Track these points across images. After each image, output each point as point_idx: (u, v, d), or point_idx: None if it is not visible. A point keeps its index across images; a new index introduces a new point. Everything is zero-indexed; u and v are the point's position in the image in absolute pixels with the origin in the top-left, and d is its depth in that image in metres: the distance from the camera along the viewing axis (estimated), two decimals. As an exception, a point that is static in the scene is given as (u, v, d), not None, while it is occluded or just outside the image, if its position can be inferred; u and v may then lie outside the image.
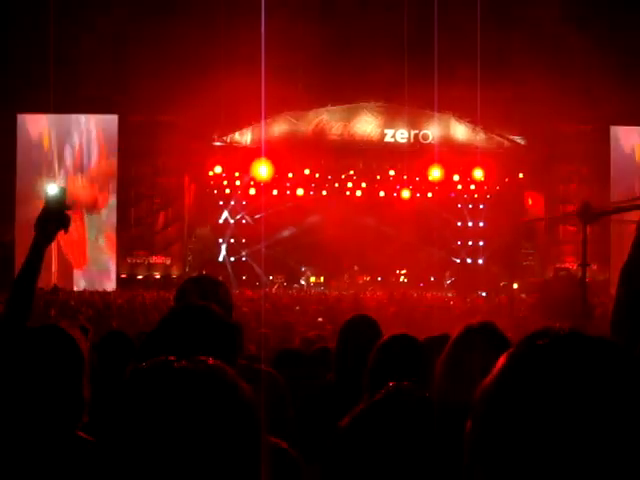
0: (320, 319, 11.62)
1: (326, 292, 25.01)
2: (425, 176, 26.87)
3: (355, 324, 3.20)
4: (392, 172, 27.16)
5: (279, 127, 26.46)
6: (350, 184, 28.19)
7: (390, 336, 2.70)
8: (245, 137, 26.60)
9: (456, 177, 26.85)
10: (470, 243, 28.69)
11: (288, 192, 28.14)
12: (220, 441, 0.96)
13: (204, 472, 0.95)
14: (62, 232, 2.68)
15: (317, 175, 27.58)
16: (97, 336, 4.04)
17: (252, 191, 28.03)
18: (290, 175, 27.42)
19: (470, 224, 28.51)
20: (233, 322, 2.16)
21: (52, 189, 2.64)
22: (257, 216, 28.49)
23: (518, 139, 26.23)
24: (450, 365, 2.06)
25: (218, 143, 26.52)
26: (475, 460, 0.90)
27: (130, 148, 25.67)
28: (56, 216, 2.62)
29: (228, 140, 26.55)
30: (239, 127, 26.45)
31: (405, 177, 27.26)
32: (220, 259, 28.15)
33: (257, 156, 25.68)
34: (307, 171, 27.28)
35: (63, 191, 2.69)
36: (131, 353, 3.38)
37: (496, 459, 0.87)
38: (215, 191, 27.75)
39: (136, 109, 25.72)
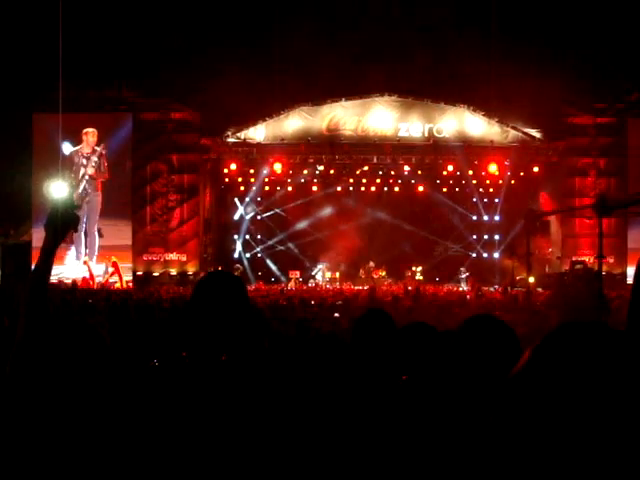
0: (337, 314, 11.61)
1: (342, 287, 25.17)
2: (440, 170, 26.93)
3: (369, 318, 3.22)
4: (407, 167, 27.00)
5: (293, 123, 26.33)
6: (365, 180, 28.15)
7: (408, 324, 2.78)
8: (259, 133, 26.51)
9: (471, 171, 26.99)
10: (486, 237, 28.70)
11: (303, 188, 28.27)
12: None
13: None
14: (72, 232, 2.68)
15: (332, 171, 27.65)
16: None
17: (267, 188, 28.33)
18: (305, 172, 27.61)
19: (486, 218, 28.44)
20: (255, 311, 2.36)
21: (59, 190, 2.61)
22: (272, 212, 28.96)
23: (534, 132, 25.88)
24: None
25: (232, 139, 26.46)
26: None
27: (145, 146, 25.86)
28: (65, 217, 2.62)
29: (242, 137, 26.47)
30: (253, 123, 26.39)
31: (420, 172, 27.28)
32: (236, 255, 28.39)
33: (271, 152, 26.10)
34: (321, 167, 27.34)
35: (70, 192, 2.62)
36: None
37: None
38: (230, 187, 28.16)
39: (150, 107, 25.80)
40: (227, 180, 27.65)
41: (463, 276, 27.38)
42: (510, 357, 2.00)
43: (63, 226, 2.60)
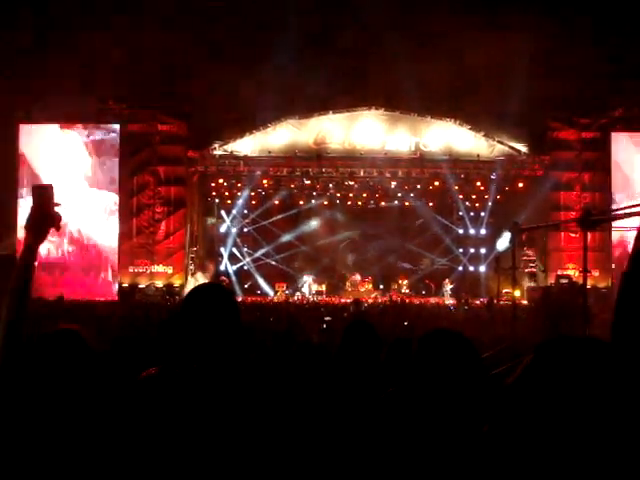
0: (324, 326, 11.65)
1: (329, 299, 25.09)
2: (426, 184, 26.85)
3: (354, 329, 3.31)
4: (394, 183, 26.90)
5: (280, 136, 26.10)
6: (351, 193, 28.12)
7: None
8: (246, 146, 26.25)
9: (456, 186, 26.92)
10: (472, 251, 28.72)
11: (289, 201, 28.18)
12: None
13: None
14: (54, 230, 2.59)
15: (318, 185, 27.52)
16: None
17: (253, 201, 28.33)
18: (292, 185, 27.45)
19: (472, 232, 28.43)
20: (245, 326, 2.39)
21: (39, 188, 2.56)
22: (258, 225, 28.76)
23: (519, 146, 26.04)
24: None
25: (219, 152, 26.29)
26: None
27: (131, 157, 25.59)
28: (46, 215, 2.56)
29: (229, 149, 26.23)
30: (240, 136, 26.17)
31: (406, 187, 27.24)
32: (222, 268, 28.19)
33: (258, 165, 25.74)
34: (308, 181, 27.08)
35: (50, 189, 2.58)
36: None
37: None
38: (217, 200, 28.03)
39: (137, 119, 25.66)
40: (214, 193, 27.51)
41: (448, 289, 27.36)
42: (468, 368, 2.14)
43: (44, 224, 2.54)
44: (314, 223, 28.61)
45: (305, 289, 27.86)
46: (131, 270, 25.62)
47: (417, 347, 2.18)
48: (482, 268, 27.80)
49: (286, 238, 28.58)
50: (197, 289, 2.35)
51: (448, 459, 1.88)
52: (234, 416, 1.99)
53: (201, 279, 24.43)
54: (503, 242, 22.33)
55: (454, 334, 2.22)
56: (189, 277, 25.91)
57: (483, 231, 27.92)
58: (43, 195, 2.57)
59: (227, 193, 27.56)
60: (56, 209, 2.61)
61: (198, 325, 2.17)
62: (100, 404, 2.10)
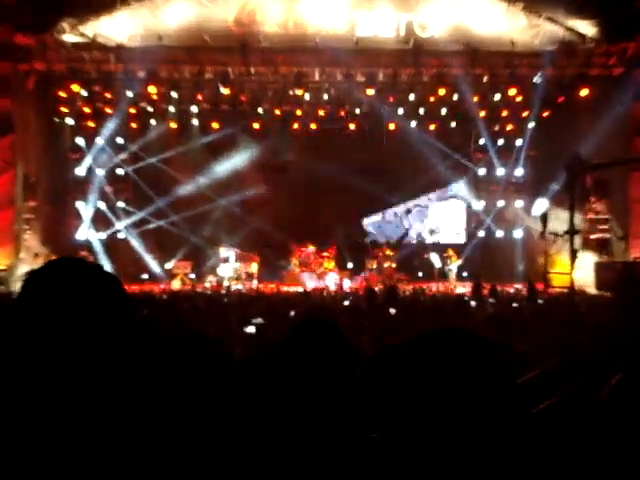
0: (253, 331, 11.04)
1: (264, 287, 22.15)
2: (425, 94, 23.13)
3: (305, 335, 2.95)
4: (370, 91, 22.64)
5: (179, 11, 22.41)
6: (299, 110, 24.03)
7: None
8: (120, 28, 22.40)
9: (476, 97, 23.15)
10: (500, 204, 25.35)
11: (195, 124, 24.65)
12: None
13: None
14: None
15: (244, 96, 23.46)
16: None
17: (134, 123, 24.55)
18: (199, 96, 23.38)
19: (501, 172, 24.93)
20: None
21: None
22: (142, 164, 25.06)
23: (585, 26, 22.05)
24: None
25: (72, 37, 22.16)
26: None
27: None
28: None
29: (91, 34, 22.19)
30: (108, 10, 22.29)
31: (391, 99, 23.35)
32: (80, 237, 24.47)
33: (142, 60, 21.93)
34: (226, 89, 22.73)
35: None
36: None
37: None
38: (70, 122, 24.16)
39: None
40: (64, 109, 23.66)
41: (453, 267, 23.44)
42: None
43: None
44: (237, 161, 24.90)
45: (223, 271, 24.02)
46: None
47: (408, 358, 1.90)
48: (517, 233, 24.22)
49: (190, 187, 25.24)
50: (41, 273, 1.97)
51: None
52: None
53: (42, 256, 21.92)
54: (540, 206, 21.06)
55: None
56: (21, 252, 22.48)
57: (519, 171, 24.13)
58: None
59: (87, 110, 23.75)
60: None
61: (51, 334, 1.92)
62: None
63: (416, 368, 1.85)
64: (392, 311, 13.00)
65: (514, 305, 15.89)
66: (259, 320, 12.35)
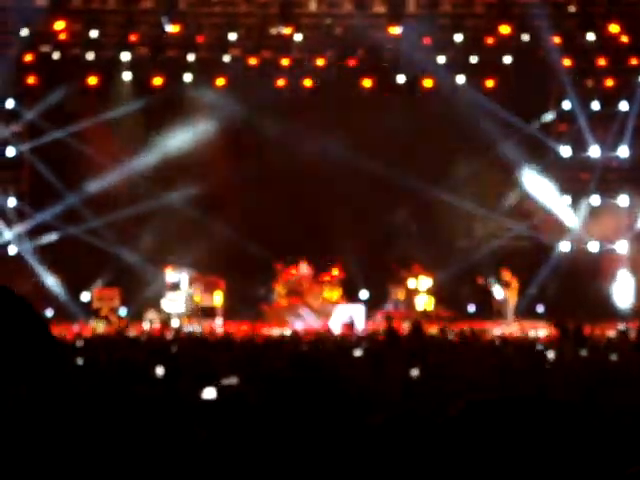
0: (215, 393, 8.81)
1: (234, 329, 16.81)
2: (477, 34, 19.08)
3: (290, 397, 2.45)
4: (395, 30, 18.99)
5: None
6: (286, 60, 19.07)
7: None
8: None
9: (557, 38, 18.94)
10: (594, 202, 19.77)
11: (125, 79, 19.78)
12: None
13: None
14: None
15: (199, 37, 19.41)
16: None
17: (31, 78, 19.63)
18: (134, 37, 19.60)
19: (595, 153, 19.31)
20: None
21: None
22: (48, 140, 19.76)
23: None
24: None
25: None
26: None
27: None
28: None
29: None
30: None
31: (427, 42, 18.96)
32: None
33: None
34: (174, 27, 18.64)
35: None
36: None
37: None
38: None
39: None
40: None
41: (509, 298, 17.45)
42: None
43: None
44: (190, 137, 19.33)
45: (170, 304, 18.64)
46: None
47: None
48: (621, 245, 19.13)
49: (117, 175, 19.62)
50: None
51: None
52: None
53: None
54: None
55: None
56: None
57: (624, 151, 18.99)
58: None
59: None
60: None
61: None
62: None
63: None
64: (414, 373, 10.38)
65: (613, 358, 12.84)
66: (230, 381, 9.81)
